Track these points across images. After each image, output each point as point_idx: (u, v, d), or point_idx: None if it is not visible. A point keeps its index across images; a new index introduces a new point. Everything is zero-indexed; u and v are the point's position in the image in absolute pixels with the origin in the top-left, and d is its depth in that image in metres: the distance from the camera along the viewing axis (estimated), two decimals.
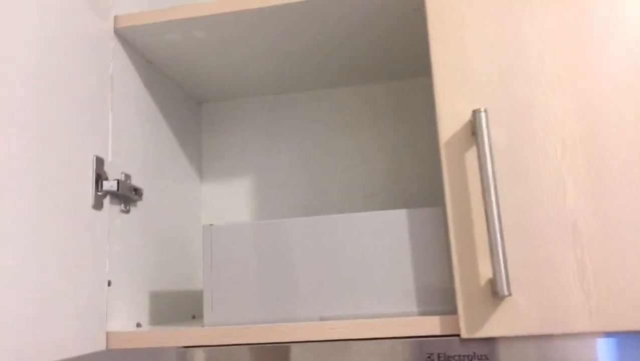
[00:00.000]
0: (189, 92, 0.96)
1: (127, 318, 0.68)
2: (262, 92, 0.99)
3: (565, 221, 0.55)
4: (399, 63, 0.89)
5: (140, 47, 0.77)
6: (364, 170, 0.95)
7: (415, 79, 0.96)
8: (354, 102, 0.97)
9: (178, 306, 0.84)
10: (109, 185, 0.65)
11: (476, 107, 0.58)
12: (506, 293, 0.51)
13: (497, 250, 0.52)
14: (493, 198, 0.53)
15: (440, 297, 0.59)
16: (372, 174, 0.94)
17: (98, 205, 0.64)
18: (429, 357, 0.54)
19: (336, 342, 0.57)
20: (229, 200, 0.99)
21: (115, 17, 0.72)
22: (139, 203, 0.74)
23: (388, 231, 0.61)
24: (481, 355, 0.53)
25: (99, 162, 0.65)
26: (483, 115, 0.55)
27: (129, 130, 0.74)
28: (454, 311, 0.57)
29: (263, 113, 1.01)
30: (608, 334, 0.52)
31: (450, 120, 0.58)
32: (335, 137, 0.97)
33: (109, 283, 0.65)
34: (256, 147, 1.00)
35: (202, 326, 0.63)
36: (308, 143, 0.98)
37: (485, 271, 0.55)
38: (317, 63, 0.87)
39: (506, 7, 0.60)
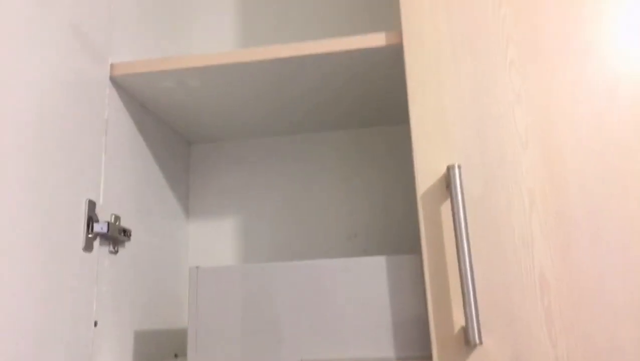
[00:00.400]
0: (180, 133, 0.99)
1: (111, 358, 0.70)
2: (251, 135, 1.02)
3: (533, 271, 0.58)
4: (382, 111, 0.93)
5: (135, 92, 0.80)
6: (347, 212, 0.98)
7: (399, 126, 1.00)
8: (338, 146, 1.01)
9: (162, 344, 0.85)
10: (99, 227, 0.67)
11: (451, 161, 0.62)
12: (477, 341, 0.53)
13: (469, 300, 0.55)
14: (465, 249, 0.56)
15: (416, 343, 0.61)
16: (355, 216, 0.97)
17: (88, 247, 0.66)
18: None
19: None
20: (215, 240, 1.01)
21: (112, 65, 0.75)
22: (126, 243, 0.76)
23: (368, 277, 0.64)
24: None
25: (91, 205, 0.67)
26: (457, 170, 0.58)
27: (121, 172, 0.76)
28: (429, 356, 0.60)
29: (251, 155, 1.04)
30: None
31: (426, 173, 0.62)
32: (320, 180, 1.00)
33: (95, 324, 0.66)
34: (243, 187, 1.02)
35: None
36: (294, 185, 1.01)
37: (458, 319, 0.58)
38: (304, 110, 0.91)
39: (480, 67, 0.64)
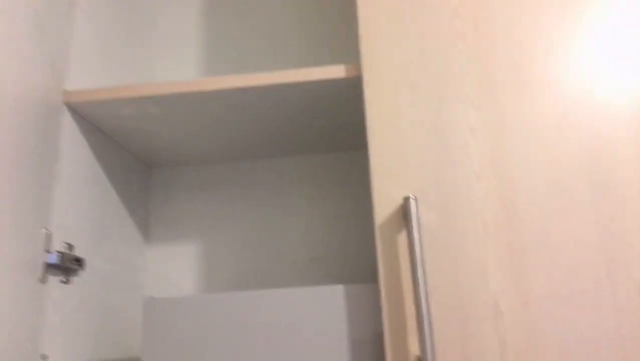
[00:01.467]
0: (140, 157, 0.98)
1: None
2: (213, 160, 1.02)
3: (487, 301, 0.59)
4: (341, 138, 0.94)
5: (92, 119, 0.79)
6: (309, 237, 0.98)
7: (358, 151, 1.02)
8: (299, 172, 1.02)
9: None
10: (51, 257, 0.65)
11: (408, 192, 0.63)
12: None
13: (425, 329, 0.55)
14: (421, 279, 0.57)
15: None
16: (316, 241, 0.98)
17: (40, 277, 0.64)
18: None
19: None
20: (175, 267, 0.99)
21: (68, 92, 0.74)
22: (80, 272, 0.74)
23: (326, 305, 0.64)
24: None
25: (43, 235, 0.65)
26: (413, 202, 0.60)
27: (76, 199, 0.74)
28: None
29: (213, 179, 1.03)
30: None
31: (384, 203, 0.63)
32: (282, 205, 1.00)
33: (45, 357, 0.64)
34: (204, 213, 1.01)
35: None
36: (256, 210, 1.01)
37: (414, 348, 0.58)
38: (265, 137, 0.91)
39: (437, 100, 0.66)
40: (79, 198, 0.75)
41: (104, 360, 0.79)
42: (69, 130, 0.74)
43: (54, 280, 0.68)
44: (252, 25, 1.09)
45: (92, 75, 0.81)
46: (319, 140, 0.95)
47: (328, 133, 0.91)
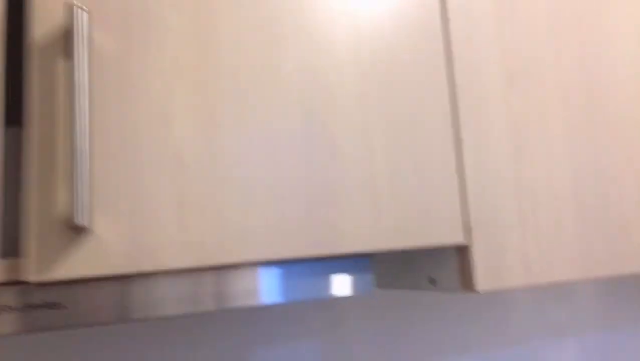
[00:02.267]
0: None
1: None
2: None
3: (168, 148, 0.49)
4: None
5: None
6: None
7: None
8: None
9: None
10: None
11: (75, 3, 0.47)
12: (85, 224, 0.42)
13: (79, 174, 0.42)
14: (83, 118, 0.44)
15: (8, 236, 0.46)
16: None
17: None
18: None
19: None
20: None
21: None
22: None
23: None
24: (52, 303, 0.43)
25: None
26: (83, 14, 0.45)
27: None
28: (22, 252, 0.45)
29: None
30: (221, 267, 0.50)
31: (44, 17, 0.46)
32: None
33: None
34: None
35: None
36: None
37: (66, 204, 0.45)
38: None
39: None
40: None
41: None
42: None
43: None
44: None
45: None
46: None
47: None
